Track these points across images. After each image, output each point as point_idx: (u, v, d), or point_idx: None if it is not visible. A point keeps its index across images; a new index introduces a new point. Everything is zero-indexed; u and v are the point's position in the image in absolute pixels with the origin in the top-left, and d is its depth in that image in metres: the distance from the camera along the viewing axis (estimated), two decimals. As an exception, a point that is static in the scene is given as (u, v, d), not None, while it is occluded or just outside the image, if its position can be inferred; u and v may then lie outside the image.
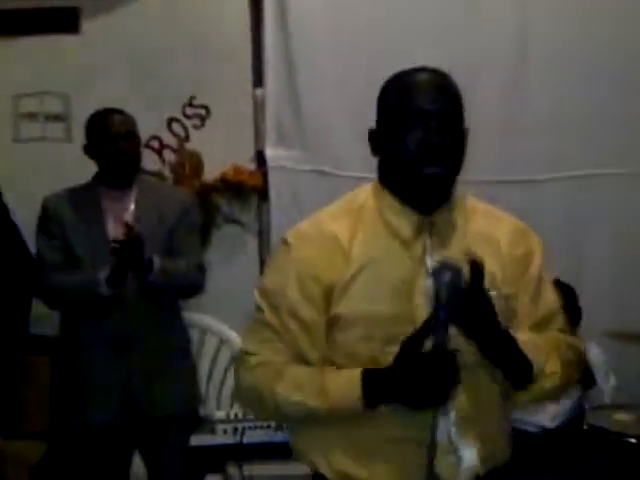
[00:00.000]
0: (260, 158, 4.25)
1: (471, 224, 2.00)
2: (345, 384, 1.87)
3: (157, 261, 3.29)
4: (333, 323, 1.92)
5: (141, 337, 3.32)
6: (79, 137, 3.92)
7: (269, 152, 4.24)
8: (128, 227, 3.22)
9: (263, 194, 4.26)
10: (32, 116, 4.13)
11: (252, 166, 4.23)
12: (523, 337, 1.93)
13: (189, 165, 4.19)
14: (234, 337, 3.83)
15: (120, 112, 3.43)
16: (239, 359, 2.02)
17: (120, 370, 3.31)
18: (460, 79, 1.97)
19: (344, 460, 1.94)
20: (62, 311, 3.46)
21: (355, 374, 1.86)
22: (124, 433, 3.38)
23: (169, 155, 4.21)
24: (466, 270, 1.80)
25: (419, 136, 1.87)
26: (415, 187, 1.92)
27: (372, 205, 1.99)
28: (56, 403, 3.60)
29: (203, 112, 4.21)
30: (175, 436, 3.37)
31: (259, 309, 1.99)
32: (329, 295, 1.92)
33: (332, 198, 4.06)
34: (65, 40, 4.10)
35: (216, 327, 3.91)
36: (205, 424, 3.37)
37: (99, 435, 3.35)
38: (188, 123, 4.21)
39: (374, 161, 4.14)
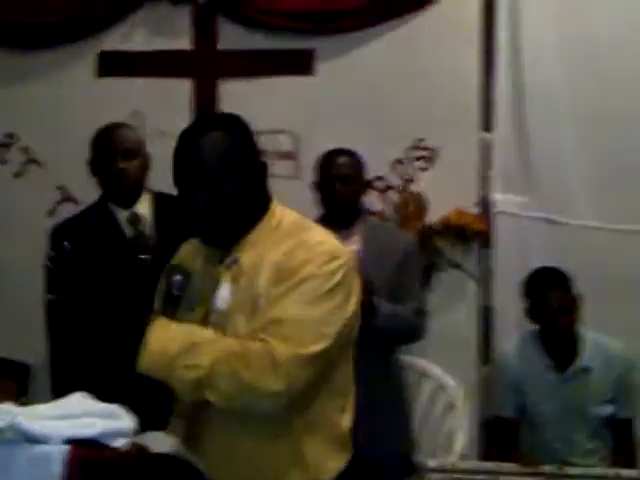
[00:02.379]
0: (484, 203, 4.19)
1: (275, 247, 2.16)
2: None
3: (382, 305, 3.29)
4: None
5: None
6: (306, 175, 4.03)
7: (496, 197, 4.17)
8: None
9: (486, 240, 4.19)
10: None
11: (475, 211, 4.17)
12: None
13: (413, 207, 4.18)
14: (450, 383, 3.77)
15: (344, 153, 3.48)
16: None
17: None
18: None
19: None
20: None
21: None
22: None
23: (393, 196, 4.21)
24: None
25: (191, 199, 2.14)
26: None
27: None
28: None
29: (430, 154, 4.19)
30: (386, 480, 3.34)
31: None
32: None
33: (559, 247, 4.04)
34: (299, 81, 4.20)
35: (432, 372, 3.86)
36: (418, 472, 3.31)
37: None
38: (414, 165, 4.21)
39: (610, 210, 4.00)
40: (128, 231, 3.35)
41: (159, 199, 3.42)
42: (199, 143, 2.14)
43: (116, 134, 3.35)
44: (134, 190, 3.35)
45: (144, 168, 3.36)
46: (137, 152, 3.34)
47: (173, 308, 2.16)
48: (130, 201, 3.36)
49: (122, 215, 3.35)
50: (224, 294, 2.18)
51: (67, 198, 4.29)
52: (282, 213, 2.27)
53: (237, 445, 2.15)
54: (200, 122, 2.26)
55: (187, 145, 2.16)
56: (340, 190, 3.43)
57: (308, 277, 2.11)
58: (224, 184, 2.12)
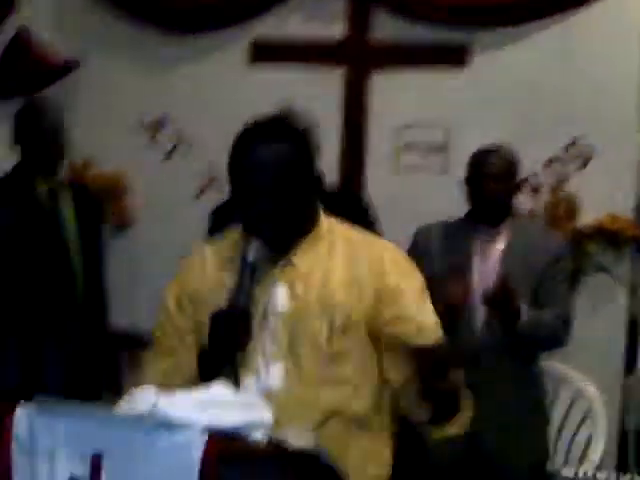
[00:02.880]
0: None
1: (333, 254, 2.22)
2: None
3: (525, 311, 3.22)
4: None
5: (493, 386, 3.25)
6: (456, 170, 3.96)
7: (655, 202, 4.02)
8: (502, 278, 3.20)
9: (639, 246, 4.03)
10: (413, 147, 4.18)
11: (631, 216, 4.02)
12: None
13: (564, 208, 4.06)
14: (589, 389, 3.64)
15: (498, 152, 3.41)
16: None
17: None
18: None
19: None
20: None
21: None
22: (468, 477, 3.34)
23: (545, 195, 4.10)
24: None
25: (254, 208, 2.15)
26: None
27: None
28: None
29: (586, 154, 4.06)
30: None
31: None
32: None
33: None
34: (451, 74, 4.13)
35: (572, 378, 3.73)
36: (551, 480, 3.24)
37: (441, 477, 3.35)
38: (569, 164, 4.08)
39: None
40: None
41: None
42: (263, 152, 2.15)
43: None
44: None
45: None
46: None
47: (250, 276, 2.14)
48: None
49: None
50: (282, 297, 2.20)
51: (214, 181, 4.33)
52: (329, 221, 2.31)
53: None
54: (262, 129, 2.20)
55: (250, 152, 2.17)
56: (490, 188, 3.38)
57: (419, 281, 2.30)
58: (284, 194, 2.14)
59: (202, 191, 4.35)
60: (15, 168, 3.66)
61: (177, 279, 2.32)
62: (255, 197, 2.15)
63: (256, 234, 2.17)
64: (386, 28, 4.16)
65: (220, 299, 2.16)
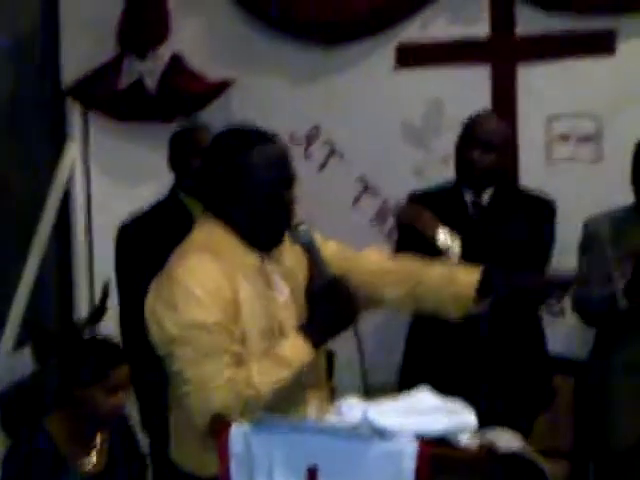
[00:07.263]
0: None
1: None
2: (295, 347, 2.30)
3: None
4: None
5: None
6: (609, 158, 3.93)
7: None
8: None
9: None
10: (565, 137, 4.17)
11: None
12: None
13: None
14: None
15: None
16: (199, 386, 2.26)
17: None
18: None
19: None
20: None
21: (295, 337, 2.31)
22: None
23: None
24: None
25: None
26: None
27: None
28: (581, 424, 3.66)
29: None
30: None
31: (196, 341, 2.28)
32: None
33: None
34: (601, 63, 4.10)
35: None
36: None
37: (621, 462, 3.35)
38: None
39: None
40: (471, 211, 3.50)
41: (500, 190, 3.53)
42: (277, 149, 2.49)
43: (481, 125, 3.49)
44: (484, 179, 3.48)
45: (499, 163, 3.48)
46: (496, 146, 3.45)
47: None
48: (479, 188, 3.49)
49: (468, 197, 3.51)
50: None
51: (367, 188, 4.41)
52: None
53: None
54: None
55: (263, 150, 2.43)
56: None
57: None
58: None
59: (358, 198, 4.43)
60: (171, 191, 3.71)
61: (207, 295, 2.30)
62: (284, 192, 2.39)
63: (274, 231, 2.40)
64: (530, 21, 4.14)
65: (255, 303, 2.35)
